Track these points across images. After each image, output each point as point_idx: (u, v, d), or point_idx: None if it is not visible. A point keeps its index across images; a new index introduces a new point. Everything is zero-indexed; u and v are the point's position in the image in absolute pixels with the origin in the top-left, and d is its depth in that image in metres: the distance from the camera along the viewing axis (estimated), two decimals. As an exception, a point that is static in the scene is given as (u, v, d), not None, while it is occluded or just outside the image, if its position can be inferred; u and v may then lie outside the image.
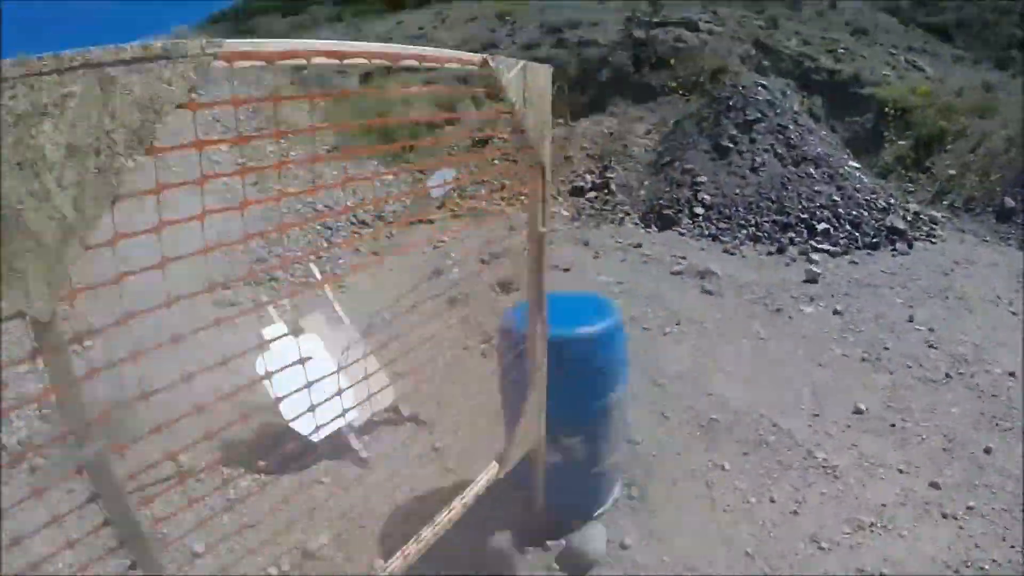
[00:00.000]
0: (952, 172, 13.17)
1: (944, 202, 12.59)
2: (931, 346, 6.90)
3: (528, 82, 2.71)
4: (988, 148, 12.95)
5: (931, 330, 7.27)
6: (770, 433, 5.30)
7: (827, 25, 31.29)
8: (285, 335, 4.86)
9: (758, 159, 11.56)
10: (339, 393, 2.84)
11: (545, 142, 2.99)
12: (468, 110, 18.99)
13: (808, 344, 6.97)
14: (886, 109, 17.78)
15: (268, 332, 5.23)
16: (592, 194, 12.37)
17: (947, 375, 6.32)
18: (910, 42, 31.72)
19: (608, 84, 21.74)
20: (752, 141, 11.89)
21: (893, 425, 5.46)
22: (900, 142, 15.87)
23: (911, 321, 7.49)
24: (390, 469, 5.10)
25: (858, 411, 5.62)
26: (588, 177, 12.79)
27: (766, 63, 23.00)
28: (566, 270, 9.18)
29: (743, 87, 13.21)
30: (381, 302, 8.51)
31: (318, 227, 11.07)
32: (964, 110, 15.14)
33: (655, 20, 23.91)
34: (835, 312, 7.74)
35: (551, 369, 3.60)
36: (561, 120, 14.88)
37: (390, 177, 13.51)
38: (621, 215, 11.55)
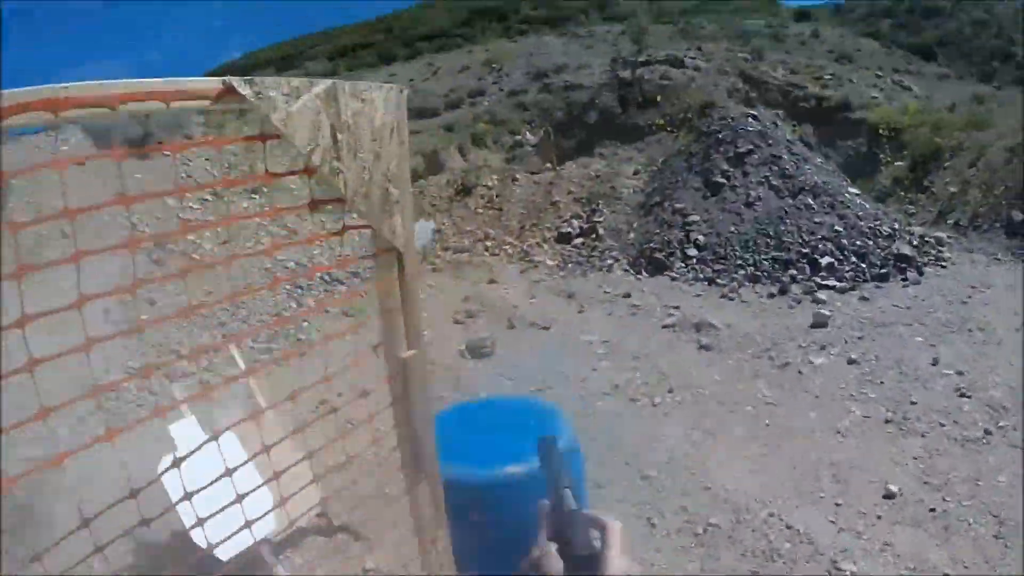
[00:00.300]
0: (953, 189, 12.12)
1: (948, 221, 11.51)
2: (963, 395, 5.79)
3: (345, 117, 1.56)
4: (988, 161, 11.93)
5: (960, 374, 6.15)
6: (783, 538, 4.09)
7: (811, 54, 30.57)
8: (195, 432, 4.38)
9: (753, 193, 10.49)
10: (243, 498, 1.99)
11: (398, 211, 1.70)
12: (452, 158, 18.26)
13: (823, 406, 5.81)
14: (879, 131, 16.88)
15: (176, 429, 4.53)
16: (579, 240, 11.30)
17: (986, 432, 5.19)
18: (894, 64, 30.99)
19: (595, 126, 20.89)
20: (745, 174, 10.84)
21: (933, 510, 4.29)
22: (896, 163, 14.93)
23: (936, 365, 6.35)
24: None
25: (889, 495, 4.46)
26: (575, 222, 11.75)
27: (754, 95, 22.15)
28: (546, 328, 8.12)
29: (732, 119, 12.21)
30: (338, 379, 7.58)
31: (287, 286, 10.05)
32: (958, 125, 14.22)
33: (640, 59, 23.17)
34: (850, 361, 6.57)
35: (470, 519, 2.52)
36: (548, 165, 13.97)
37: (371, 230, 12.61)
38: (610, 261, 10.47)
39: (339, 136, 1.51)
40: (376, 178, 1.63)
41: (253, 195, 12.02)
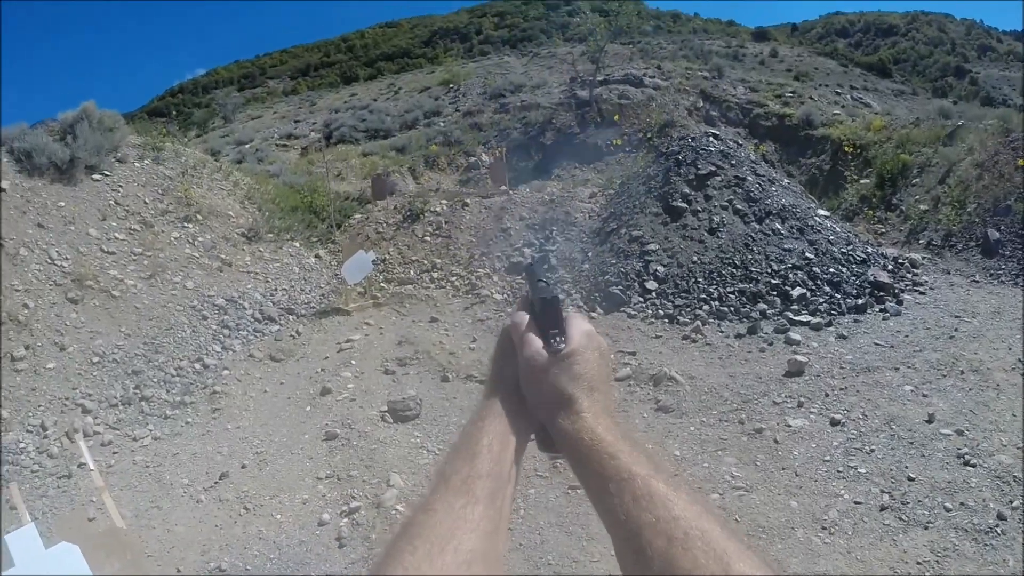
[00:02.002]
0: (923, 207, 11.27)
1: (920, 241, 10.62)
2: (967, 462, 4.79)
3: None
4: (959, 177, 11.10)
5: (960, 433, 5.15)
6: None
7: (770, 72, 30.21)
8: (35, 543, 3.77)
9: (716, 218, 9.43)
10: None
11: None
12: (404, 181, 17.20)
13: (804, 489, 4.69)
14: (844, 148, 16.15)
15: (13, 538, 3.87)
16: None
17: (999, 517, 4.20)
18: (851, 81, 30.73)
19: (552, 146, 20.12)
20: (707, 198, 9.79)
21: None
22: (862, 180, 14.16)
23: (932, 423, 5.33)
24: None
25: (898, 626, 3.41)
26: (527, 251, 10.61)
27: (714, 113, 21.54)
28: (483, 382, 6.98)
29: (692, 139, 11.20)
30: (243, 444, 6.64)
31: (214, 327, 8.93)
32: (923, 140, 13.42)
33: (598, 78, 22.35)
34: (833, 423, 5.49)
35: None
36: (503, 188, 12.94)
37: (312, 260, 11.53)
38: (561, 296, 9.29)
39: None
40: None
41: (186, 223, 10.93)
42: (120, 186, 10.83)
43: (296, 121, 34.56)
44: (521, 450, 0.92)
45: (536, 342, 0.95)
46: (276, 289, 10.32)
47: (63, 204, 9.77)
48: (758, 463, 5.05)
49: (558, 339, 0.94)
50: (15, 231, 8.91)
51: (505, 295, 9.67)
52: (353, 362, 7.87)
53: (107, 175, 10.86)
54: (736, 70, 28.37)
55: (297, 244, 11.93)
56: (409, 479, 5.48)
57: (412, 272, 10.86)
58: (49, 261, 8.86)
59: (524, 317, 0.99)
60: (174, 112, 50.34)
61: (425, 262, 11.01)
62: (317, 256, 11.74)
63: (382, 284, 10.59)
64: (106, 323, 8.45)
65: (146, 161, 11.78)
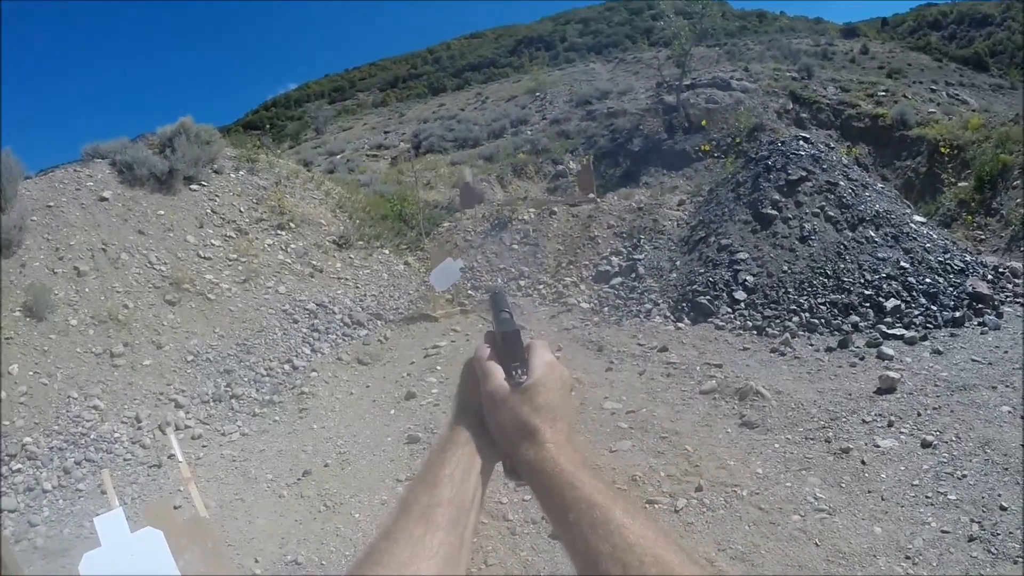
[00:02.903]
0: (1025, 211, 10.67)
1: (1023, 248, 10.07)
2: (1067, 495, 4.51)
3: None
4: (1066, 179, 10.50)
5: (1060, 460, 4.86)
6: None
7: (861, 71, 29.23)
8: (121, 527, 3.85)
9: (807, 226, 9.19)
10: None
11: None
12: (492, 190, 17.33)
13: (890, 515, 4.49)
14: (941, 148, 15.44)
15: (102, 523, 3.80)
16: (618, 280, 10.09)
17: (1104, 556, 3.95)
18: (946, 77, 29.40)
19: (640, 153, 19.95)
20: (798, 205, 9.55)
21: None
22: (960, 183, 13.43)
23: (1032, 446, 5.05)
24: None
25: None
26: (614, 260, 10.56)
27: (804, 115, 20.98)
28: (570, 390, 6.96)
29: (782, 143, 10.95)
30: (327, 443, 6.82)
31: (304, 330, 9.20)
32: (1026, 139, 12.69)
33: (685, 83, 22.07)
34: (924, 444, 5.23)
35: None
36: (591, 196, 12.90)
37: (401, 267, 11.75)
38: (648, 305, 9.22)
39: None
40: None
41: (279, 231, 11.31)
42: (216, 196, 11.30)
43: (385, 132, 35.22)
44: (485, 479, 0.93)
45: (498, 374, 0.96)
46: (365, 295, 10.56)
47: (162, 212, 10.27)
48: (843, 484, 4.89)
49: (519, 371, 0.96)
50: (116, 237, 9.43)
51: (592, 304, 9.64)
52: (439, 368, 7.99)
53: (204, 185, 11.37)
54: (826, 69, 27.57)
55: (387, 251, 12.18)
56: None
57: (500, 280, 10.95)
58: (148, 265, 9.33)
59: (486, 350, 1.01)
60: (268, 125, 51.97)
61: (512, 270, 11.10)
62: (406, 263, 11.96)
63: (469, 291, 10.72)
64: (201, 324, 8.83)
65: (241, 172, 12.27)
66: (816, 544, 4.26)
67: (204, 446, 7.01)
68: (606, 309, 9.52)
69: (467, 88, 43.59)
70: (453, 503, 0.86)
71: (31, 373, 7.38)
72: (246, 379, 8.16)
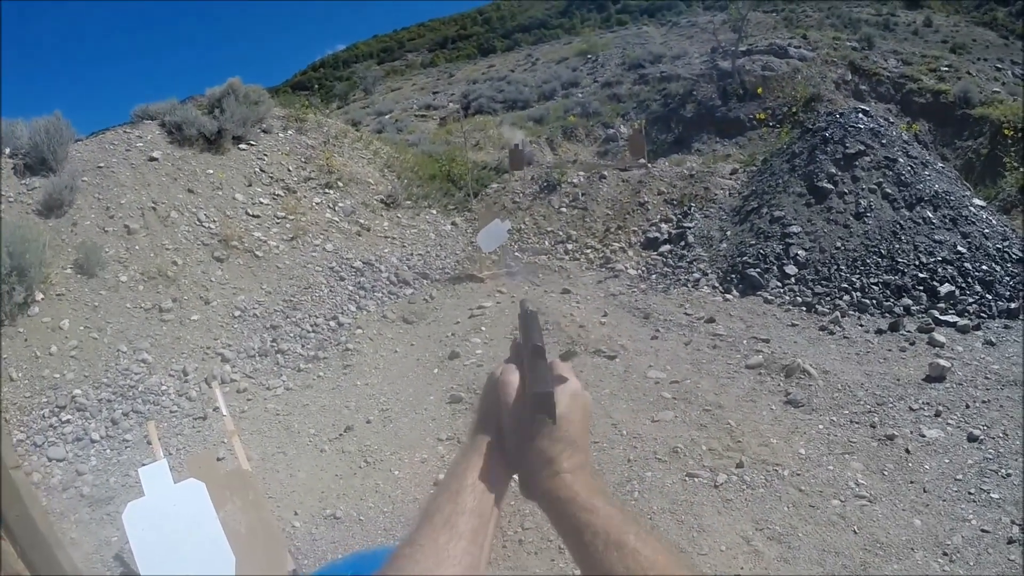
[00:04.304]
0: (1091, 200, 10.25)
1: (1085, 239, 9.65)
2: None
3: None
4: None
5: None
6: None
7: (924, 44, 28.25)
8: (165, 478, 4.08)
9: (863, 202, 8.91)
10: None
11: None
12: (541, 152, 17.15)
13: (930, 508, 4.36)
14: (1003, 130, 14.89)
15: (146, 473, 4.16)
16: (666, 247, 9.94)
17: None
18: (1012, 55, 28.28)
19: (692, 119, 19.55)
20: (855, 180, 9.27)
21: None
22: (1023, 168, 12.94)
23: (1080, 451, 4.82)
24: None
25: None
26: (664, 227, 10.40)
27: (864, 88, 20.35)
28: (611, 357, 6.86)
29: (840, 115, 10.60)
30: (370, 400, 6.89)
31: (350, 287, 9.22)
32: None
33: (741, 49, 21.50)
34: (971, 438, 5.05)
35: None
36: (641, 161, 12.69)
37: (448, 227, 11.70)
38: (697, 275, 9.08)
39: None
40: None
41: (327, 190, 11.32)
42: (265, 155, 11.36)
43: (434, 93, 35.00)
44: (502, 491, 0.97)
45: (521, 397, 0.99)
46: (412, 254, 10.55)
47: (211, 171, 10.37)
48: (886, 472, 4.76)
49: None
50: (166, 196, 9.55)
51: (639, 271, 9.50)
52: (483, 328, 7.96)
53: (253, 145, 11.43)
54: (887, 40, 26.68)
55: (434, 211, 12.13)
56: None
57: (547, 243, 10.86)
58: (198, 223, 9.44)
59: (513, 370, 1.03)
60: (316, 86, 52.03)
61: (560, 233, 10.99)
62: (453, 223, 11.90)
63: (516, 254, 10.64)
64: (249, 281, 8.91)
65: (289, 131, 12.29)
66: (855, 531, 4.16)
67: (249, 400, 7.10)
68: (653, 276, 9.38)
69: (517, 49, 43.08)
70: (475, 512, 0.90)
71: (82, 328, 7.57)
72: (292, 335, 8.23)
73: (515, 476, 1.00)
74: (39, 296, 7.63)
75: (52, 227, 8.50)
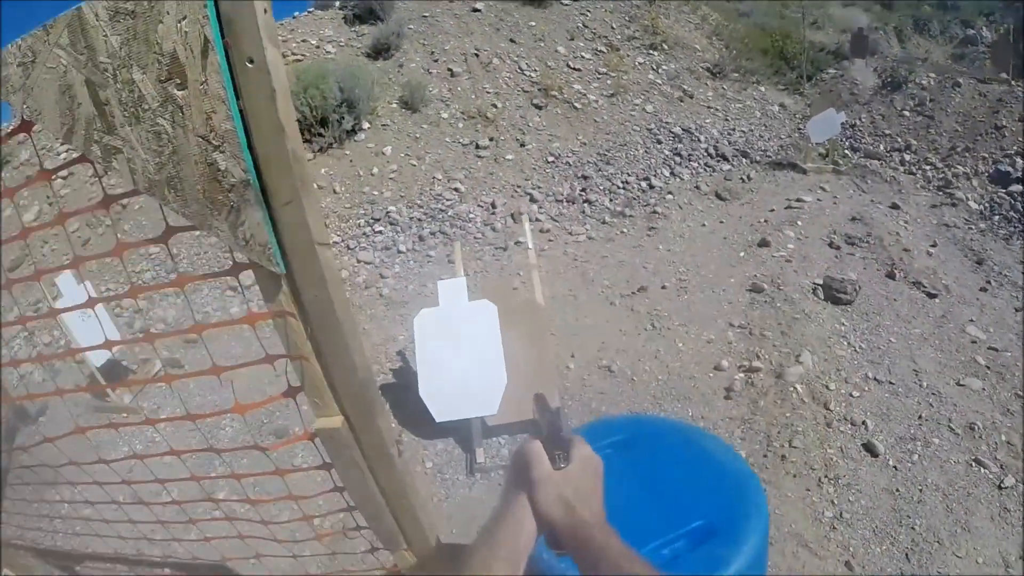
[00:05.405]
0: None
1: None
2: None
3: (104, 59, 0.93)
4: None
5: None
6: None
7: None
8: (461, 294, 4.49)
9: None
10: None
11: (246, 199, 1.02)
12: (887, 42, 15.43)
13: None
14: None
15: (445, 285, 4.63)
16: (1018, 188, 8.61)
17: None
18: None
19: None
20: None
21: None
22: None
23: None
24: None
25: None
26: (1019, 162, 9.03)
27: None
28: (932, 296, 6.20)
29: None
30: (669, 267, 6.89)
31: (666, 152, 9.11)
32: None
33: None
34: None
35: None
36: (1004, 75, 11.10)
37: (775, 108, 11.07)
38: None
39: (102, 94, 0.95)
40: (186, 146, 0.97)
41: (651, 51, 11.07)
42: (588, 11, 11.32)
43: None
44: (530, 545, 1.13)
45: (545, 461, 1.16)
46: (734, 129, 10.15)
47: (533, 24, 10.51)
48: None
49: (560, 457, 1.17)
50: (488, 44, 10.00)
51: (982, 206, 8.38)
52: (799, 223, 7.59)
53: (576, 0, 11.25)
54: None
55: (762, 88, 11.50)
56: (819, 363, 5.21)
57: (882, 147, 9.97)
58: (519, 71, 9.73)
59: (537, 446, 1.19)
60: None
61: (899, 140, 10.02)
62: (782, 105, 11.24)
63: (846, 151, 9.90)
64: (565, 130, 9.08)
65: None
66: None
67: (550, 240, 7.40)
68: (996, 218, 8.17)
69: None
70: (507, 560, 1.07)
71: (402, 155, 8.40)
72: (601, 188, 8.37)
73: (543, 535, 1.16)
74: (366, 125, 8.54)
75: (380, 68, 9.28)
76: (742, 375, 5.18)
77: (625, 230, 7.68)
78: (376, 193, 7.85)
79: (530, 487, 1.15)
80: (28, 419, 4.72)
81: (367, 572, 2.17)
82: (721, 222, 7.82)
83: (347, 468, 1.42)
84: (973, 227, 7.90)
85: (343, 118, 8.25)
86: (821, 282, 6.24)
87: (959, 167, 9.17)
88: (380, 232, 7.38)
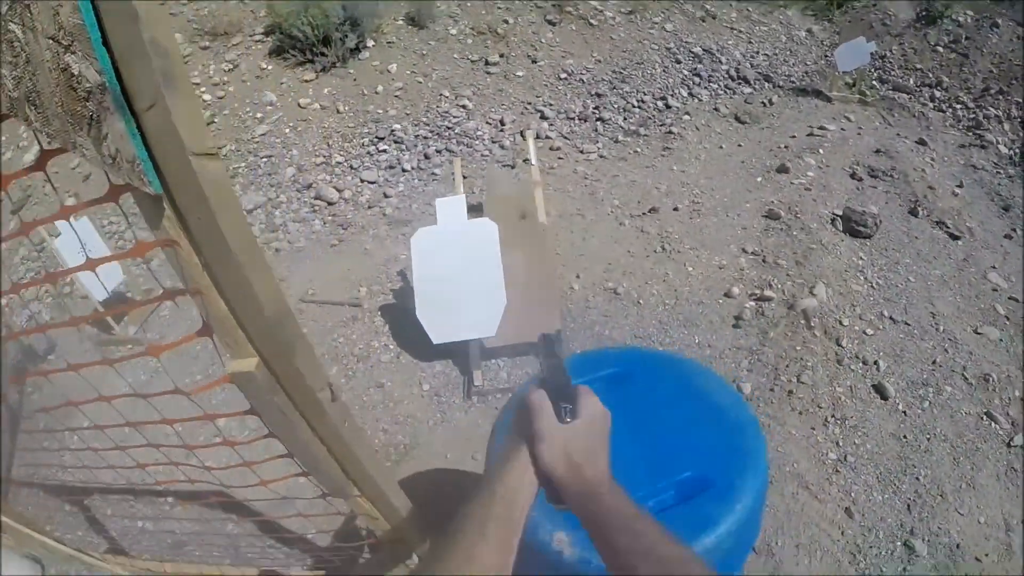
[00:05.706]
0: None
1: None
2: None
3: None
4: None
5: None
6: None
7: None
8: (460, 212, 4.38)
9: None
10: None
11: (109, 112, 0.80)
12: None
13: None
14: None
15: (443, 203, 4.52)
16: None
17: None
18: None
19: None
20: None
21: None
22: None
23: None
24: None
25: None
26: None
27: None
28: (955, 237, 5.87)
29: None
30: (683, 188, 6.60)
31: (685, 72, 8.84)
32: None
33: None
34: None
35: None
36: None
37: (802, 34, 10.57)
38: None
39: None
40: (38, 52, 0.79)
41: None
42: None
43: None
44: (530, 501, 1.04)
45: (549, 413, 1.07)
46: (758, 52, 9.69)
47: None
48: None
49: (567, 411, 1.08)
50: None
51: (1013, 152, 7.89)
52: (820, 151, 7.21)
53: None
54: None
55: (789, 13, 10.95)
56: (834, 297, 4.99)
57: (912, 81, 9.49)
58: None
59: (541, 395, 1.10)
60: None
61: (930, 75, 9.51)
62: (809, 31, 10.68)
63: (874, 82, 9.44)
64: (579, 47, 8.70)
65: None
66: None
67: (560, 158, 7.11)
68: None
69: None
70: (503, 519, 0.99)
71: (408, 72, 7.98)
72: (615, 106, 8.03)
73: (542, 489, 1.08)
74: (370, 43, 8.14)
75: (385, -18, 8.72)
76: (753, 303, 4.97)
77: (638, 149, 7.35)
78: (380, 111, 7.54)
79: (533, 441, 1.07)
80: (36, 357, 4.68)
81: (325, 515, 2.17)
82: (739, 145, 7.46)
83: (270, 414, 1.32)
84: (1002, 172, 7.50)
85: (346, 36, 7.91)
86: (840, 213, 5.94)
87: (991, 109, 8.72)
88: (384, 151, 7.13)
